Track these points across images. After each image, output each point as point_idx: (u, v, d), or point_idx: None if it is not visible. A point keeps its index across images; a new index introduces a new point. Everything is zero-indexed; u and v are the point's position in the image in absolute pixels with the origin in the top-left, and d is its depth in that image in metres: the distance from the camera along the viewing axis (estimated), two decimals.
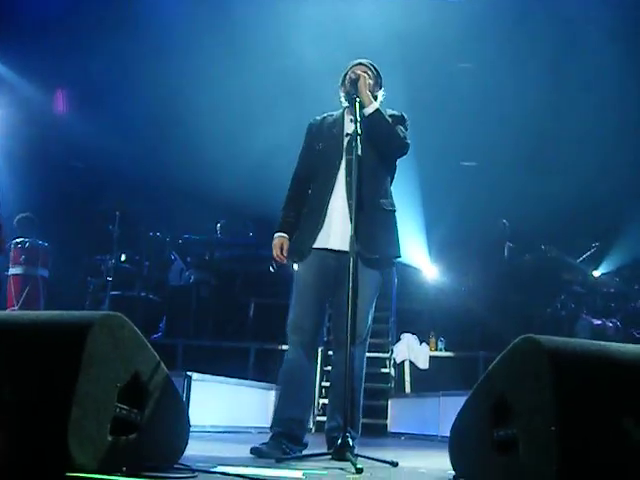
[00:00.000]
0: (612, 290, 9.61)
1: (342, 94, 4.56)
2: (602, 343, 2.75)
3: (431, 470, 3.78)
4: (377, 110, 4.27)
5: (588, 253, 9.99)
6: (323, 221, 4.27)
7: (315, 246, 4.27)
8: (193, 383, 6.61)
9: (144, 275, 9.41)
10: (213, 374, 7.31)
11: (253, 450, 3.97)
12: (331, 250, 4.25)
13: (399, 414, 8.86)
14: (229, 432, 7.06)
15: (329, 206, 4.27)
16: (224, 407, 7.40)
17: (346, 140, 4.31)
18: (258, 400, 8.15)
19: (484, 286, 10.12)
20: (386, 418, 8.91)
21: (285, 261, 4.44)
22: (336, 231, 4.24)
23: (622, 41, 10.20)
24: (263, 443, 4.06)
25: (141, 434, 2.60)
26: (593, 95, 10.48)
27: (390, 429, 8.77)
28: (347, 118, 4.45)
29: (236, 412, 7.63)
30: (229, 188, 10.76)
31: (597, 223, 10.72)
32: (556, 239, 10.49)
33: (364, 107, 4.24)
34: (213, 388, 7.20)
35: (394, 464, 3.69)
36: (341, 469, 3.37)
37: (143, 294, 9.31)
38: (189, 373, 6.60)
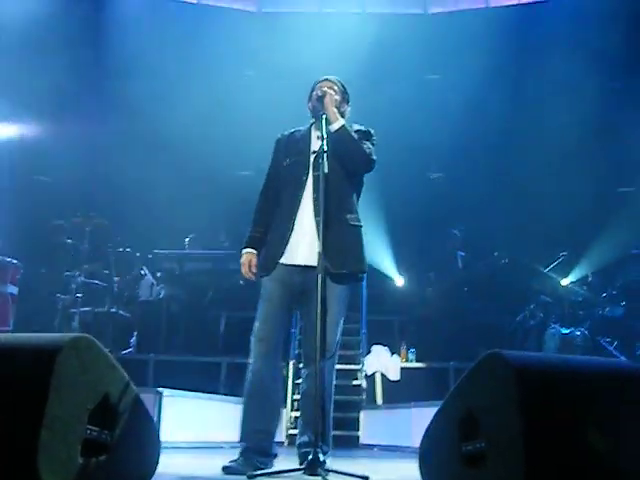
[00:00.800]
0: (580, 299, 9.70)
1: (309, 110, 4.61)
2: (566, 357, 2.80)
3: None
4: (342, 127, 4.30)
5: (556, 262, 10.07)
6: (290, 237, 4.28)
7: (282, 262, 4.29)
8: (164, 399, 6.59)
9: (114, 291, 9.35)
10: (184, 389, 7.29)
11: (225, 469, 3.97)
12: (298, 266, 4.28)
13: (371, 426, 8.87)
14: (201, 447, 7.04)
15: (296, 222, 4.29)
16: (196, 422, 7.37)
17: (313, 156, 4.33)
18: (230, 415, 8.08)
19: (444, 296, 10.20)
20: (358, 430, 8.92)
21: (254, 278, 4.45)
22: (303, 247, 4.25)
23: (582, 58, 10.38)
24: (233, 460, 4.06)
25: (112, 455, 2.60)
26: (557, 106, 10.64)
27: (362, 441, 8.78)
28: (314, 134, 4.48)
29: (208, 427, 7.60)
30: (200, 201, 10.77)
31: (565, 232, 10.81)
32: (525, 249, 10.59)
33: (330, 123, 4.28)
34: (184, 404, 7.17)
35: (365, 478, 3.70)
36: None
37: (113, 310, 9.25)
38: (160, 389, 6.58)
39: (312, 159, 4.33)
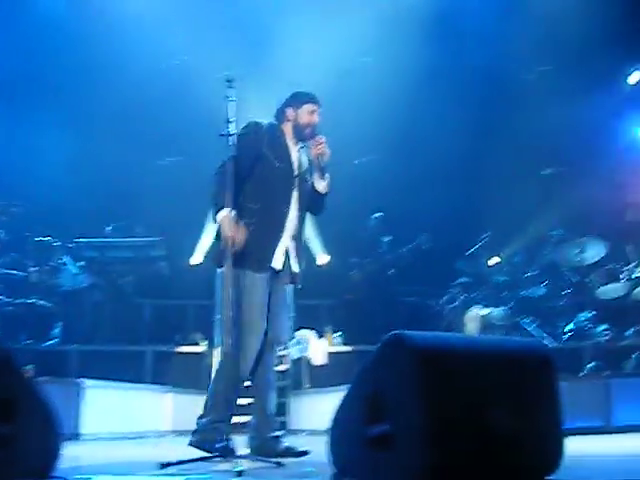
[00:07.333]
0: (502, 279, 9.82)
1: (289, 117, 4.73)
2: (471, 337, 2.82)
3: (320, 467, 3.76)
4: (327, 193, 4.76)
5: (479, 244, 10.18)
6: (278, 242, 4.59)
7: (272, 264, 4.60)
8: (87, 390, 6.52)
9: (32, 281, 9.13)
10: (110, 379, 7.23)
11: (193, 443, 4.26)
12: (273, 269, 4.64)
13: (299, 411, 8.88)
14: (126, 438, 6.96)
15: (284, 231, 4.63)
16: (120, 412, 7.29)
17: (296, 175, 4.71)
18: (154, 404, 8.06)
19: (368, 279, 10.28)
20: (285, 415, 8.90)
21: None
22: (280, 253, 4.64)
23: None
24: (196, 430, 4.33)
25: (10, 448, 2.54)
26: (478, 92, 10.79)
27: (290, 426, 8.77)
28: (294, 148, 4.75)
29: (132, 417, 7.53)
30: (120, 189, 10.59)
31: (490, 214, 10.90)
32: (450, 231, 10.64)
33: (319, 177, 4.72)
34: (108, 394, 7.10)
35: (278, 464, 3.71)
36: (225, 471, 3.37)
37: (32, 301, 9.05)
38: (80, 380, 6.50)
39: (296, 179, 4.72)
